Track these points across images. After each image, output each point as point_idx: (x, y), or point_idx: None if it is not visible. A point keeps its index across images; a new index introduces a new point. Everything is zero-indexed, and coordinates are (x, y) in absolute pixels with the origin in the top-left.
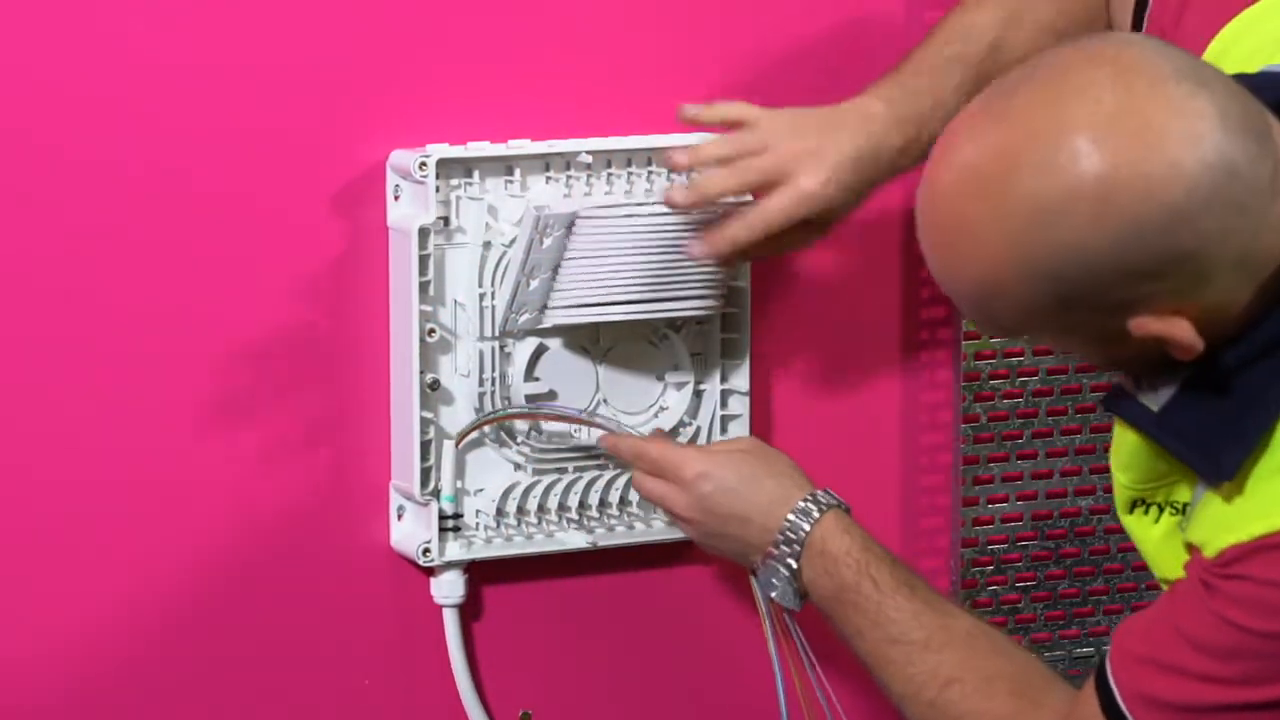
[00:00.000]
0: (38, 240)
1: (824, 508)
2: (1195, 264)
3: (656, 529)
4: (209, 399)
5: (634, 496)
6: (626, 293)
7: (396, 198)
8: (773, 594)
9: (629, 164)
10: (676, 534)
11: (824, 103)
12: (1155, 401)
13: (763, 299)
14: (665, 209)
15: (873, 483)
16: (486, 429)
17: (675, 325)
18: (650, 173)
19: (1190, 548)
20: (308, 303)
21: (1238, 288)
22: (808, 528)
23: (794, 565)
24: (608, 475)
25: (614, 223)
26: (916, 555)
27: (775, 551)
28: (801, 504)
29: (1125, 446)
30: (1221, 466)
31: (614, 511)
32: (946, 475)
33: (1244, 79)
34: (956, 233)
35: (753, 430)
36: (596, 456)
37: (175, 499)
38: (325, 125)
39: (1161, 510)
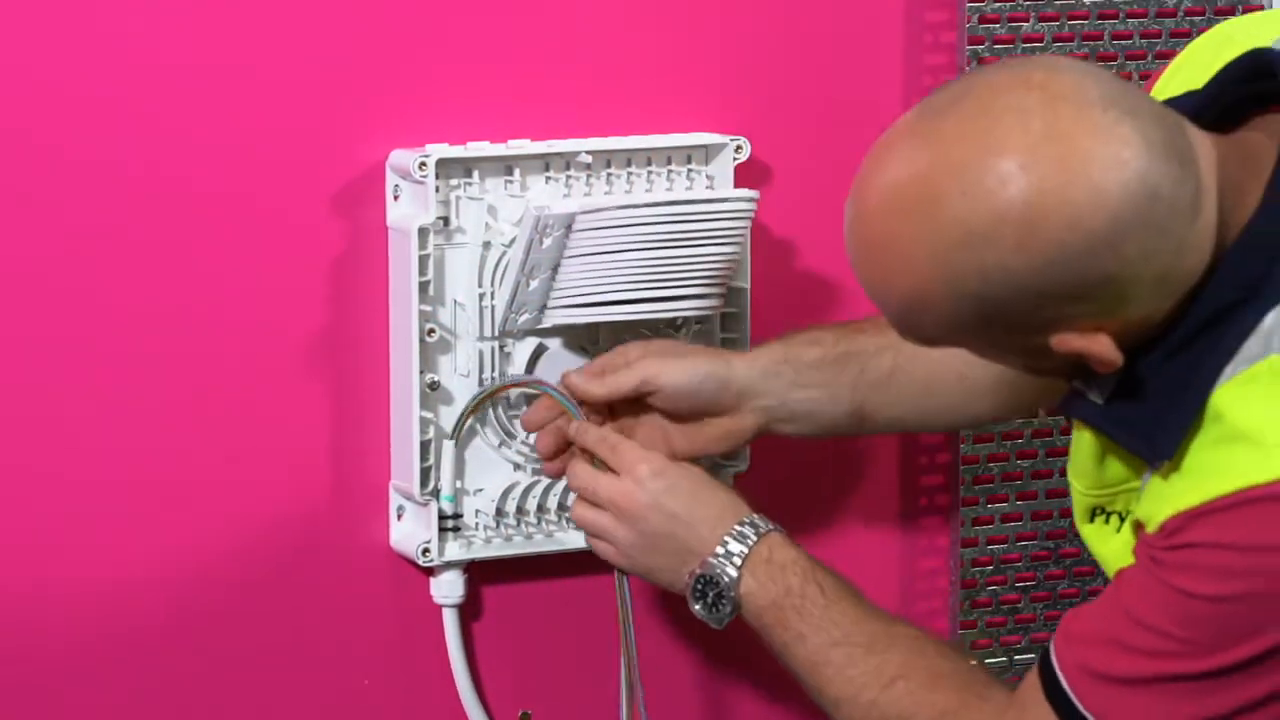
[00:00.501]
0: (37, 240)
1: (769, 526)
2: (1117, 286)
3: None
4: (209, 399)
5: None
6: (626, 293)
7: (396, 198)
8: (699, 606)
9: (629, 164)
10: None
11: (823, 102)
12: (1100, 397)
13: (763, 299)
14: (665, 209)
15: (872, 483)
16: (491, 432)
17: (675, 325)
18: (650, 173)
19: (1138, 528)
20: (308, 303)
21: (1157, 304)
22: (754, 538)
23: (734, 575)
24: None
25: (614, 223)
26: (916, 555)
27: (715, 560)
28: (748, 519)
29: (1080, 452)
30: (1161, 448)
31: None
32: (946, 475)
33: (1173, 101)
34: (883, 251)
35: None
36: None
37: (175, 499)
38: (325, 125)
39: (1123, 520)
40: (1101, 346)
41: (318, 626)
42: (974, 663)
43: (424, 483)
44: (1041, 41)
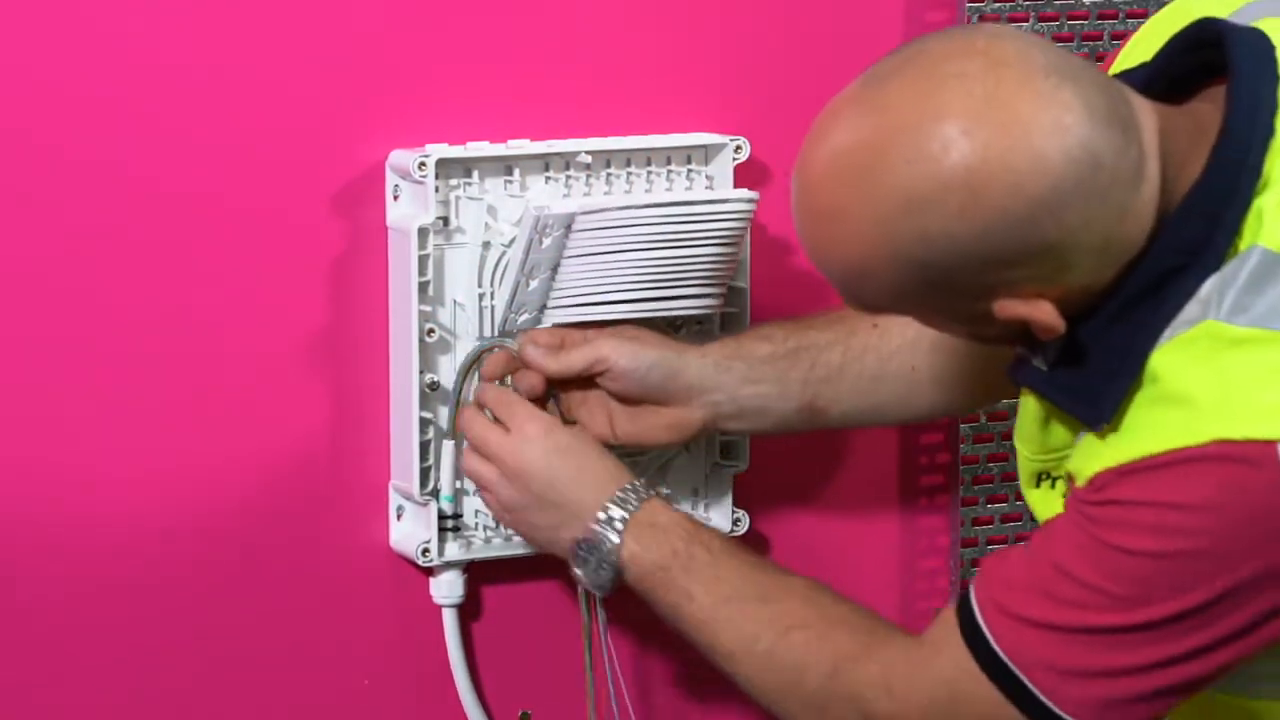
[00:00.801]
0: (37, 240)
1: (650, 492)
2: (1059, 252)
3: None
4: (209, 399)
5: None
6: (626, 293)
7: (396, 198)
8: (580, 571)
9: (629, 164)
10: None
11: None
12: (1044, 363)
13: (762, 299)
14: (665, 209)
15: (872, 483)
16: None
17: (675, 325)
18: (650, 173)
19: (1069, 481)
20: (308, 303)
21: (1099, 271)
22: (636, 504)
23: (615, 540)
24: None
25: (614, 223)
26: (916, 555)
27: (597, 526)
28: (630, 485)
29: (1026, 417)
30: (1100, 410)
31: None
32: (946, 475)
33: (1125, 74)
34: (827, 218)
35: None
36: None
37: (175, 499)
38: (325, 125)
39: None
40: (1043, 313)
41: (318, 626)
42: (872, 610)
43: (424, 483)
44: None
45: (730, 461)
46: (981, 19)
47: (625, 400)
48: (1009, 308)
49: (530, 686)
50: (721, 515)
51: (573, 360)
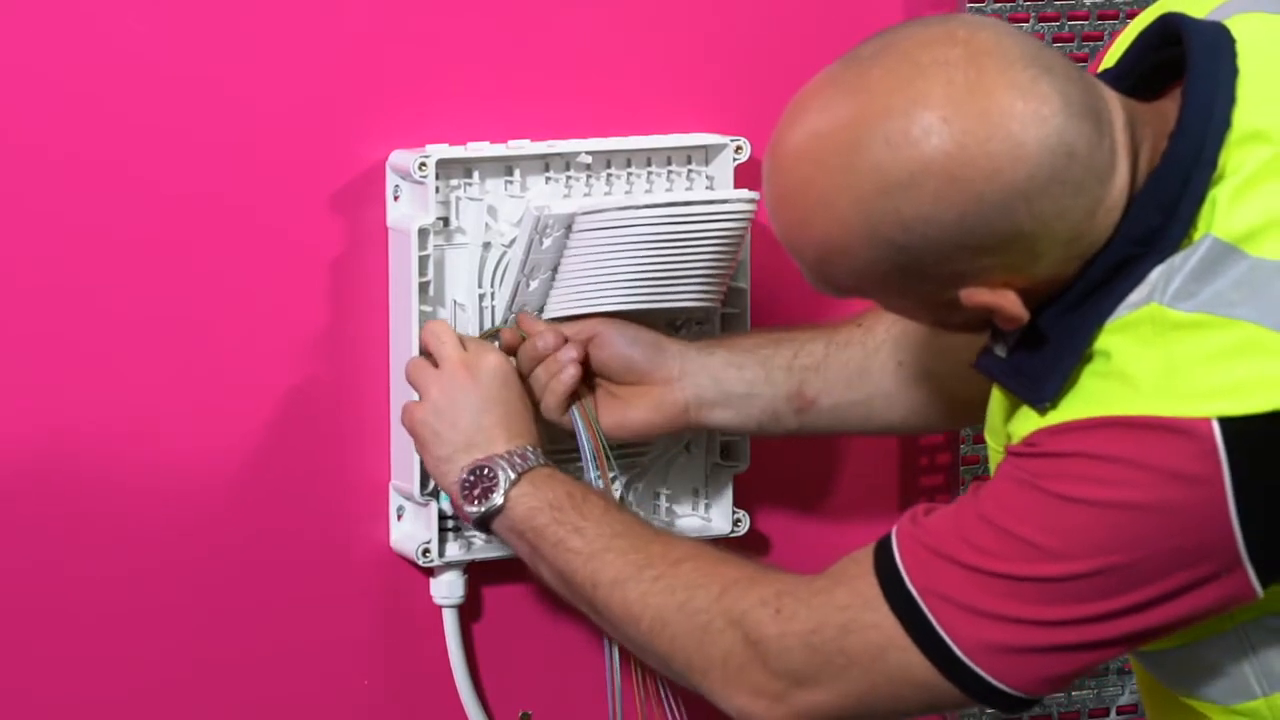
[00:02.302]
0: (37, 239)
1: (549, 462)
2: (1030, 242)
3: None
4: (208, 399)
5: (632, 497)
6: (626, 293)
7: (396, 198)
8: (462, 499)
9: (629, 164)
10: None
11: None
12: (1003, 351)
13: (762, 299)
14: (665, 210)
15: (873, 482)
16: None
17: (675, 325)
18: (650, 173)
19: (1006, 442)
20: (308, 303)
21: (1066, 263)
22: (540, 462)
23: (511, 475)
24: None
25: (614, 223)
26: None
27: (499, 459)
28: (539, 450)
29: (993, 410)
30: (1043, 390)
31: None
32: (946, 475)
33: (1101, 75)
34: (802, 197)
35: None
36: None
37: (175, 498)
38: (325, 125)
39: None
40: (1008, 302)
41: (318, 626)
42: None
43: (424, 483)
44: (1041, 41)
45: (730, 461)
46: None
47: (611, 377)
48: (976, 295)
49: (530, 686)
50: (722, 515)
51: (566, 328)
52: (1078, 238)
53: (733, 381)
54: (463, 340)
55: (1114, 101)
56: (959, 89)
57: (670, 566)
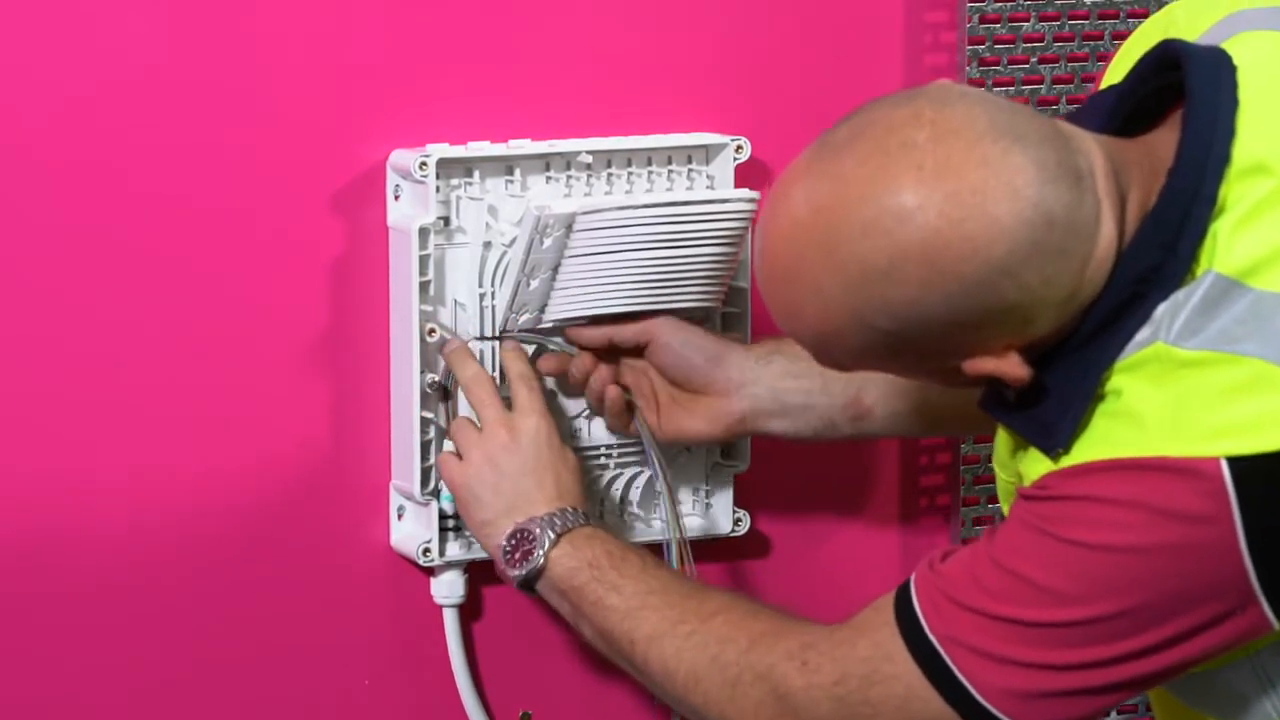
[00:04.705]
0: (38, 239)
1: (591, 520)
2: (1022, 311)
3: (655, 529)
4: (209, 399)
5: (633, 496)
6: (626, 292)
7: (397, 198)
8: (504, 562)
9: (629, 164)
10: (675, 535)
11: (823, 102)
12: (1010, 395)
13: (763, 299)
14: (665, 209)
15: (872, 483)
16: None
17: None
18: (650, 173)
19: (1017, 483)
20: (308, 303)
21: (1065, 318)
22: (583, 521)
23: (552, 536)
24: (607, 475)
25: (614, 223)
26: (917, 555)
27: (537, 521)
28: (581, 510)
29: (1000, 443)
30: (1056, 438)
31: (613, 511)
32: (946, 475)
33: (1101, 95)
34: (791, 286)
35: None
36: (595, 456)
37: (175, 498)
38: (325, 125)
39: None
40: (1012, 366)
41: (318, 626)
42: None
43: (424, 483)
44: (1042, 41)
45: (730, 461)
46: (981, 20)
47: (670, 379)
48: (979, 365)
49: (530, 686)
50: (722, 515)
51: (623, 328)
52: (1071, 296)
53: (790, 392)
54: (505, 397)
55: (1095, 151)
56: (928, 173)
57: (702, 622)
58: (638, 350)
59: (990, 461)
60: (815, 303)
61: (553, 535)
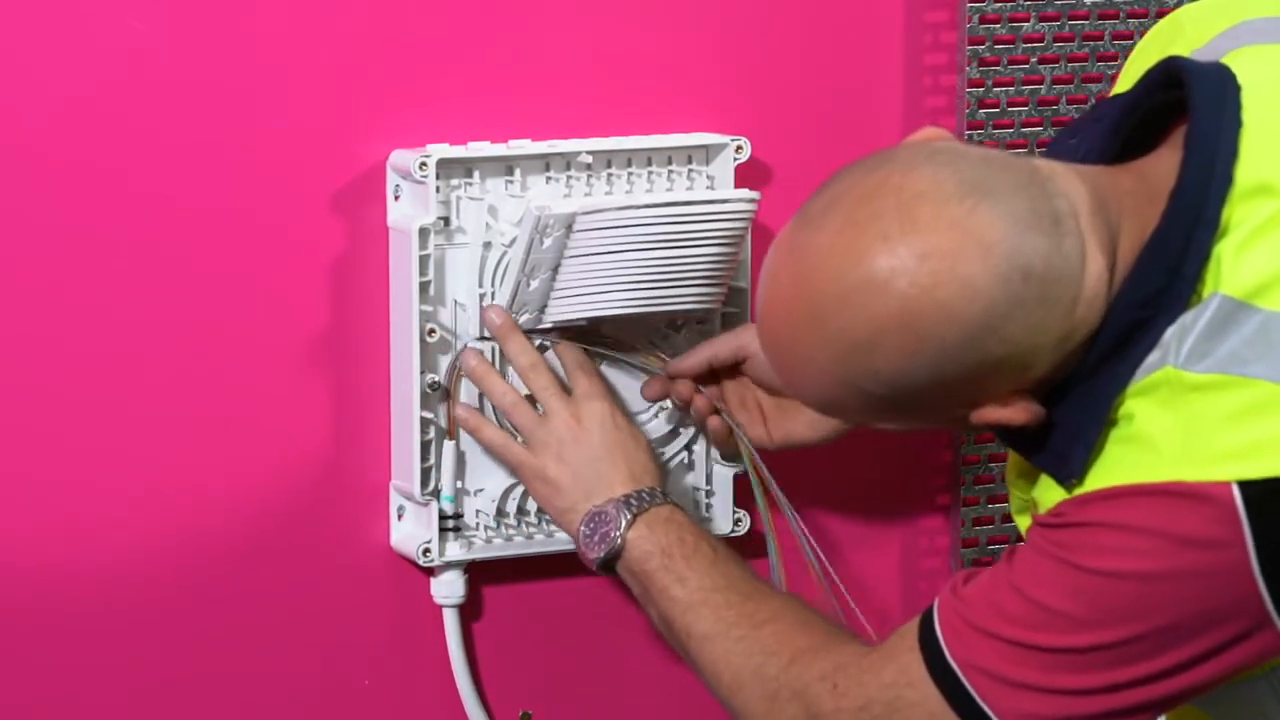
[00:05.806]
0: (37, 239)
1: (671, 500)
2: (1015, 361)
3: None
4: (209, 399)
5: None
6: (626, 293)
7: (397, 198)
8: (582, 539)
9: (629, 164)
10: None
11: (823, 102)
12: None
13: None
14: (665, 209)
15: (873, 483)
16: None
17: (675, 325)
18: (650, 173)
19: (1032, 509)
20: (308, 303)
21: (1064, 357)
22: (661, 501)
23: (629, 517)
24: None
25: (614, 223)
26: (917, 555)
27: (614, 504)
28: (659, 489)
29: (1012, 463)
30: (1070, 468)
31: None
32: (946, 475)
33: (1104, 104)
34: (787, 357)
35: None
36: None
37: (175, 499)
38: (325, 125)
39: None
40: (1018, 412)
41: (318, 626)
42: (843, 626)
43: (424, 483)
44: (1042, 41)
45: (731, 463)
46: (981, 20)
47: (768, 390)
48: (986, 415)
49: (531, 686)
50: (722, 515)
51: (718, 349)
52: (1065, 338)
53: None
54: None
55: (1076, 189)
56: (896, 242)
57: (753, 629)
58: (735, 368)
59: (990, 461)
60: (811, 373)
61: (629, 516)
